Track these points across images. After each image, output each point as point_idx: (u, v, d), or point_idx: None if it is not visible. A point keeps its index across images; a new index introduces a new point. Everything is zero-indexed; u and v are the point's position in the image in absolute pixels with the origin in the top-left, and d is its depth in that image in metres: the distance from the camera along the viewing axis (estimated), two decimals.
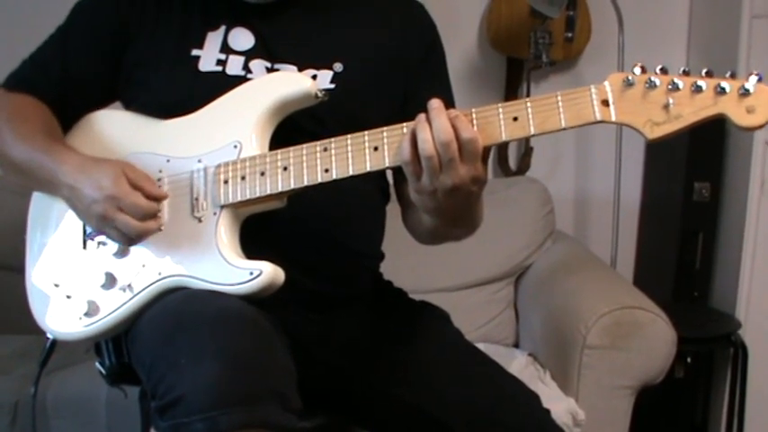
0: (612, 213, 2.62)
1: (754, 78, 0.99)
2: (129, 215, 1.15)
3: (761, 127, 0.99)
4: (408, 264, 2.00)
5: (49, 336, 1.30)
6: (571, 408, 1.81)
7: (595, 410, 1.84)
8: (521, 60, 2.63)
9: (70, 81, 1.33)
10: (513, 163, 2.74)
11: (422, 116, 1.07)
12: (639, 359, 1.85)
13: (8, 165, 1.30)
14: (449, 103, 1.12)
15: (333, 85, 1.28)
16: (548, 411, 1.29)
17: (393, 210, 1.39)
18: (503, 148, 2.71)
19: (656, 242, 2.69)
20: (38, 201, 1.35)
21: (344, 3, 1.36)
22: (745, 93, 0.99)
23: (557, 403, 1.73)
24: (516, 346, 2.31)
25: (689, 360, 2.33)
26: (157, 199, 1.18)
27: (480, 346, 1.39)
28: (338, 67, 1.29)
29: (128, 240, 1.18)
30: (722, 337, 2.31)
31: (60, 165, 1.21)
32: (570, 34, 2.54)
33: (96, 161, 1.21)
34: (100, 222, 1.17)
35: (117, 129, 1.32)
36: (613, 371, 1.85)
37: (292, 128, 1.21)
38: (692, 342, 2.22)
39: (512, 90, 2.66)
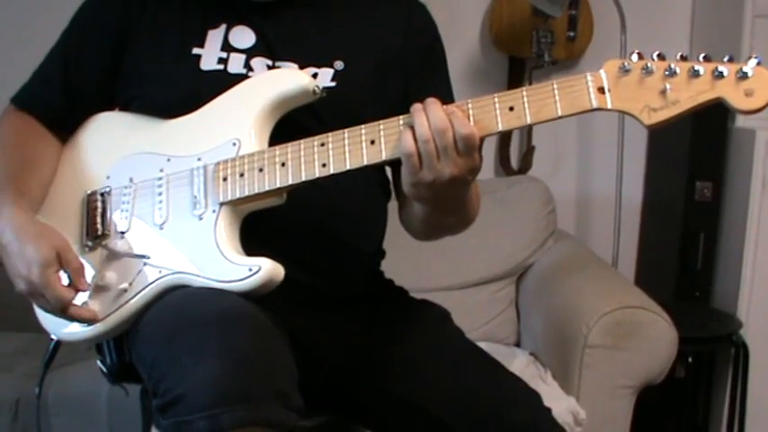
0: (614, 213, 2.62)
1: (753, 61, 0.98)
2: (49, 303, 1.18)
3: (760, 110, 0.98)
4: (410, 262, 2.00)
5: (53, 336, 1.30)
6: (572, 407, 1.81)
7: (596, 410, 1.84)
8: (523, 60, 2.63)
9: (73, 94, 1.34)
10: (514, 162, 2.73)
11: (417, 105, 1.09)
12: (641, 359, 1.85)
13: None
14: (449, 103, 1.12)
15: (334, 83, 1.28)
16: (549, 410, 1.29)
17: (394, 208, 1.39)
18: (505, 147, 2.71)
19: (658, 242, 2.69)
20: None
21: (345, 1, 1.36)
22: (743, 76, 0.97)
23: (558, 402, 1.73)
24: (517, 345, 2.31)
25: (690, 360, 2.32)
26: (78, 290, 1.20)
27: (481, 345, 1.39)
28: (339, 65, 1.29)
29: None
30: (723, 337, 2.31)
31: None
32: (572, 33, 2.54)
33: (35, 235, 1.21)
34: (23, 293, 1.20)
35: (119, 130, 1.32)
36: (614, 370, 1.85)
37: (293, 126, 1.21)
38: (694, 342, 2.21)
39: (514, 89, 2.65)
